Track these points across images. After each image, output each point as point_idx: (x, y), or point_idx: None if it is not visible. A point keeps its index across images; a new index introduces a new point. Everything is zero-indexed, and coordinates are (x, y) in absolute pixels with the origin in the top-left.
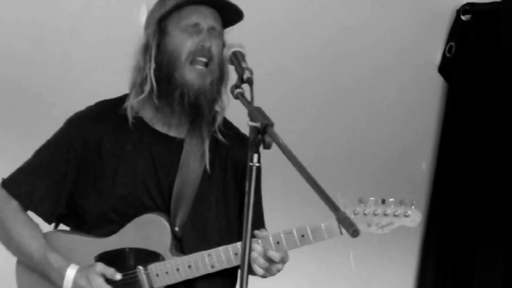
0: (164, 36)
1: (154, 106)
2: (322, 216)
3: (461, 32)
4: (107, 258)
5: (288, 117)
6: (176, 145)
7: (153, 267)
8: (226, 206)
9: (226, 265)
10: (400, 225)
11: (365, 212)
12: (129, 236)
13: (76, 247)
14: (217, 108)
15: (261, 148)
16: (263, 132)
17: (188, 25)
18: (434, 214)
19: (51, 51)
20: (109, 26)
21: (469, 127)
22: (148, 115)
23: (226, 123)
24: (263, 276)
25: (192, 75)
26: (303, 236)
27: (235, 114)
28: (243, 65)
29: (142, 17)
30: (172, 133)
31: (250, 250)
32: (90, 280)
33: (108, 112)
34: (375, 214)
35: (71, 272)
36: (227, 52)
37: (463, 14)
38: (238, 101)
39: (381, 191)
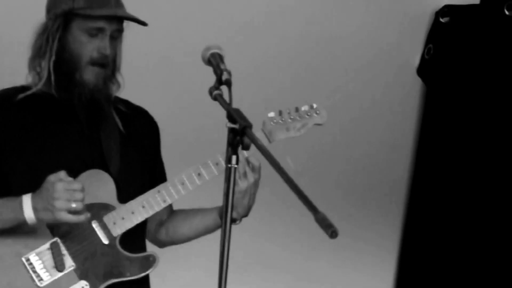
0: (67, 31)
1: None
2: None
3: (440, 34)
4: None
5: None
6: None
7: (108, 216)
8: (144, 158)
9: (175, 197)
10: (313, 123)
11: (282, 119)
12: None
13: None
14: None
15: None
16: (242, 134)
17: (93, 27)
18: (413, 215)
19: None
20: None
21: (448, 129)
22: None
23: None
24: (241, 191)
25: (89, 75)
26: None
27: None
28: (222, 66)
29: None
30: None
31: (229, 247)
32: (50, 188)
33: (7, 98)
34: (291, 119)
35: (26, 197)
36: (205, 54)
37: (442, 17)
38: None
39: (361, 191)
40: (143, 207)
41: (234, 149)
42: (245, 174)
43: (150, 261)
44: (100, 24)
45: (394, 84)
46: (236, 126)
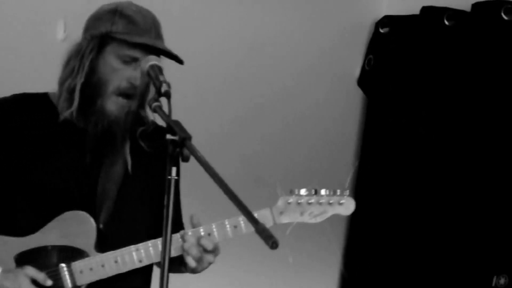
0: (100, 54)
1: None
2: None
3: (380, 45)
4: (27, 256)
5: (204, 128)
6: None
7: (77, 264)
8: (150, 205)
9: (154, 260)
10: (334, 213)
11: (299, 201)
12: (51, 234)
13: None
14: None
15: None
16: (181, 146)
17: (127, 55)
18: (354, 234)
19: None
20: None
21: (389, 140)
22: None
23: (159, 130)
24: (194, 270)
25: (112, 105)
26: (235, 227)
27: None
28: (161, 78)
29: (59, 32)
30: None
31: (169, 261)
32: (19, 280)
33: (28, 105)
34: (309, 203)
35: None
36: (144, 66)
37: (382, 27)
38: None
39: None
40: (116, 262)
41: (174, 161)
42: (200, 259)
43: None
44: (136, 53)
45: (335, 95)
46: (176, 138)
